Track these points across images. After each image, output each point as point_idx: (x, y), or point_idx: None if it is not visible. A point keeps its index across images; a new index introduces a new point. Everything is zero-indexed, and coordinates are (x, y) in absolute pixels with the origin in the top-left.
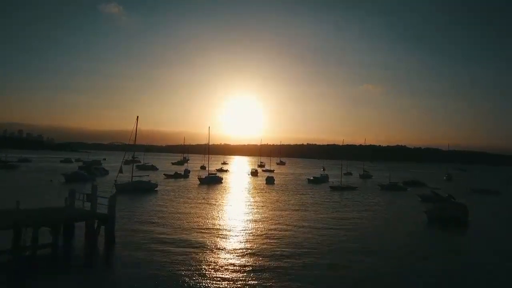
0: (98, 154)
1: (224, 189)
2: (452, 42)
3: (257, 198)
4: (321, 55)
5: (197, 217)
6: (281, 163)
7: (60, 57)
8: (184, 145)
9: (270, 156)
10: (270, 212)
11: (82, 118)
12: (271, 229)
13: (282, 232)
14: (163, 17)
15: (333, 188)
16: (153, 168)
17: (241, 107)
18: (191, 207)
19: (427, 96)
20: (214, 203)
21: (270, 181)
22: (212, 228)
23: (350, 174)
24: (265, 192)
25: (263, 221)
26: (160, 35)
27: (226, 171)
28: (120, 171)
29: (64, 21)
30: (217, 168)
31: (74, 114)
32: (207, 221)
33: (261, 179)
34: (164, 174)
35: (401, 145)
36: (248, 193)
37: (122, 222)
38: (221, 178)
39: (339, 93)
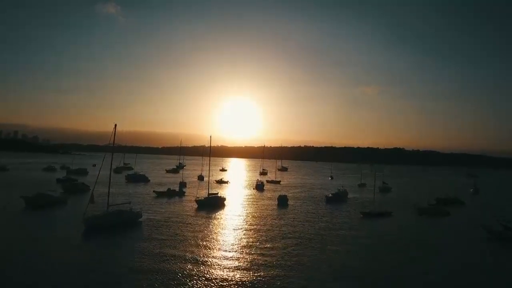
0: (91, 157)
1: (229, 220)
2: (452, 43)
3: (280, 243)
4: (318, 56)
5: None
6: (283, 169)
7: (58, 57)
8: (181, 147)
9: (275, 159)
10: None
11: (79, 119)
12: None
13: None
14: (161, 17)
15: (365, 215)
16: (144, 178)
17: (238, 108)
18: (184, 279)
19: (425, 98)
20: (218, 258)
21: (283, 202)
22: None
23: (364, 185)
24: (283, 224)
25: None
26: (157, 36)
27: (227, 182)
28: (91, 200)
29: (61, 21)
30: (216, 179)
31: (70, 114)
32: None
33: (270, 197)
34: (154, 192)
35: (399, 148)
36: (263, 229)
37: None
38: (223, 199)
39: (336, 94)
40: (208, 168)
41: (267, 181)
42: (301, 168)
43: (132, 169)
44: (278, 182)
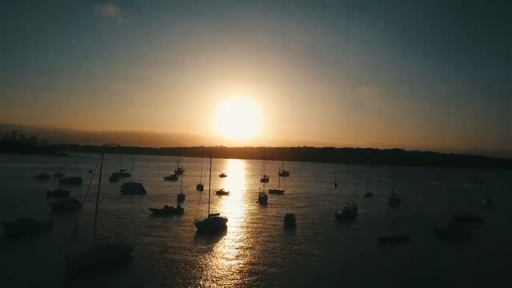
0: (88, 159)
1: (233, 254)
2: (452, 43)
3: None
4: (318, 56)
5: None
6: (285, 174)
7: (57, 58)
8: (180, 147)
9: (275, 160)
10: None
11: (77, 119)
12: None
13: None
14: (160, 18)
15: (383, 241)
16: (141, 189)
17: (237, 109)
18: None
19: (425, 99)
20: None
21: (290, 222)
22: None
23: (371, 195)
24: (297, 260)
25: None
26: (156, 36)
27: (227, 193)
28: (74, 234)
29: (60, 21)
30: (216, 190)
31: (69, 115)
32: None
33: (275, 214)
34: (150, 209)
35: (399, 148)
36: (273, 272)
37: None
38: (225, 220)
39: (335, 94)
40: (207, 174)
41: (270, 191)
42: (302, 171)
43: (129, 175)
44: (282, 192)
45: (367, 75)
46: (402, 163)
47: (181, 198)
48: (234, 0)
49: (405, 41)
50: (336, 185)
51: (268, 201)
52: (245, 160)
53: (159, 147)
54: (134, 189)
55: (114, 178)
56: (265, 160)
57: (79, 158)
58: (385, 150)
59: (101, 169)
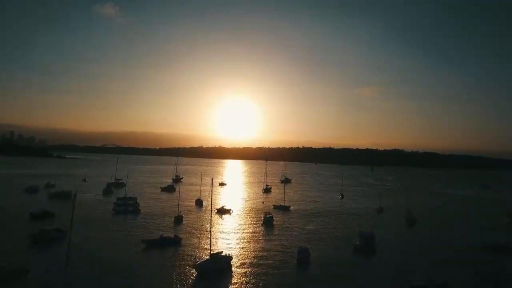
0: (86, 161)
1: None
2: (452, 43)
3: None
4: (318, 57)
5: None
6: (287, 181)
7: (55, 58)
8: (178, 148)
9: (275, 161)
10: None
11: (76, 119)
12: None
13: None
14: (160, 18)
15: None
16: (134, 206)
17: (236, 109)
18: None
19: (425, 99)
20: None
21: (304, 259)
22: None
23: (383, 210)
24: None
25: None
26: (155, 36)
27: (229, 212)
28: None
29: (60, 22)
30: (217, 207)
31: (67, 115)
32: None
33: (285, 245)
34: (142, 242)
35: (399, 149)
36: None
37: None
38: (229, 259)
39: (335, 95)
40: (205, 181)
41: (275, 207)
42: (303, 176)
43: (125, 185)
44: (288, 208)
45: (367, 75)
46: (402, 164)
47: (178, 220)
48: (234, 0)
49: (405, 41)
50: (342, 196)
51: (274, 222)
52: (244, 161)
53: (157, 148)
54: (128, 207)
55: (108, 190)
56: (267, 161)
57: (75, 161)
58: (385, 150)
59: (73, 212)
